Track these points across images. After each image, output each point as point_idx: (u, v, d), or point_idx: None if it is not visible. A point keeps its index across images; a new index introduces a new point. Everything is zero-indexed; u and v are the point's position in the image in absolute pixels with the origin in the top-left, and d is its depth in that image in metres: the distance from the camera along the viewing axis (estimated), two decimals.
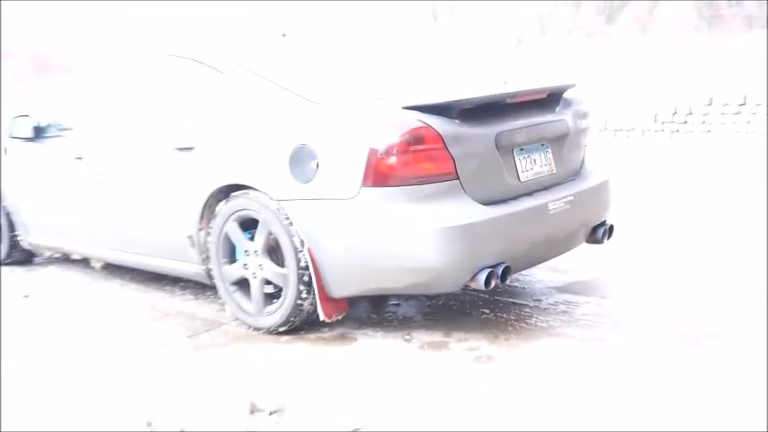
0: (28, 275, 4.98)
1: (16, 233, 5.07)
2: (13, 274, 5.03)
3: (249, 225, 3.53)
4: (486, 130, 3.26)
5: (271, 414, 2.70)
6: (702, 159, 7.96)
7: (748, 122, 9.12)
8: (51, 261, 5.21)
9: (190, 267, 3.89)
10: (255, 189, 3.42)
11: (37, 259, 5.27)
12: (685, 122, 9.70)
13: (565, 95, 3.82)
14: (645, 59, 16.78)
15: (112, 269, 4.73)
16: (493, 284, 3.14)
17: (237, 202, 3.51)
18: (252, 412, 2.72)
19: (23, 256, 5.22)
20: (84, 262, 4.90)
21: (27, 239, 5.02)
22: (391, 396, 2.81)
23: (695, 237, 4.87)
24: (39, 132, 4.71)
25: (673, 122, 9.80)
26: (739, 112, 9.16)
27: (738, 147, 8.48)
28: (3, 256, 5.21)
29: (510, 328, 3.45)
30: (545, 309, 3.68)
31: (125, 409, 2.84)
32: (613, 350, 3.12)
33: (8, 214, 5.04)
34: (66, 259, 5.08)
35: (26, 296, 4.51)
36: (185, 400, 2.90)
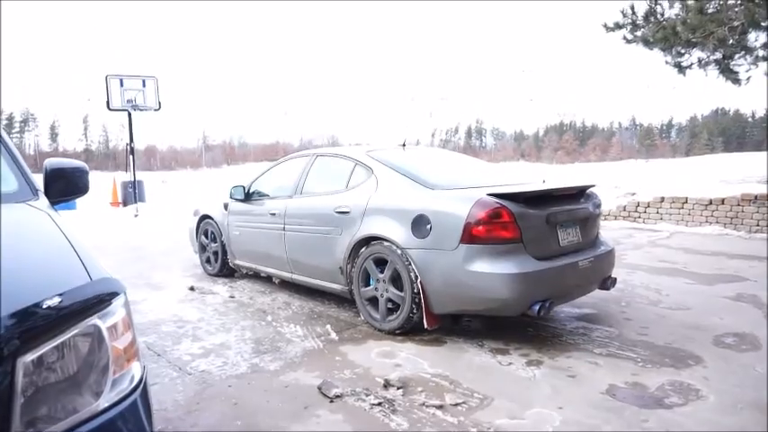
0: (232, 283, 5.12)
1: (226, 257, 5.24)
2: (222, 282, 5.19)
3: (380, 262, 3.56)
4: (541, 212, 3.24)
5: (398, 389, 2.68)
6: (656, 239, 7.62)
7: (689, 214, 8.76)
8: (246, 276, 5.34)
9: (338, 287, 3.93)
10: (387, 240, 3.46)
11: (236, 274, 5.41)
12: (645, 212, 9.35)
13: (587, 191, 3.77)
14: (605, 171, 16.52)
15: (285, 285, 4.81)
16: (542, 313, 3.07)
17: (374, 248, 3.56)
18: (385, 386, 2.71)
19: (229, 272, 5.37)
20: (268, 278, 5.01)
21: (233, 261, 5.18)
22: (474, 381, 2.76)
23: (659, 288, 4.65)
24: (247, 196, 4.91)
25: (636, 212, 9.46)
26: (682, 207, 8.82)
27: (675, 231, 8.15)
28: (217, 271, 5.38)
29: (549, 342, 3.34)
30: (570, 330, 3.56)
31: (300, 375, 2.87)
32: (622, 361, 2.99)
33: (223, 245, 5.22)
34: (255, 275, 5.20)
35: (232, 297, 4.63)
36: (343, 374, 2.91)
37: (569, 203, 3.50)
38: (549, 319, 3.73)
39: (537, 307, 3.04)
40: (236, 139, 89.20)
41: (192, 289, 4.91)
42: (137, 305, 4.42)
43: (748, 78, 8.90)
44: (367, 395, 2.61)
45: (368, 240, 3.61)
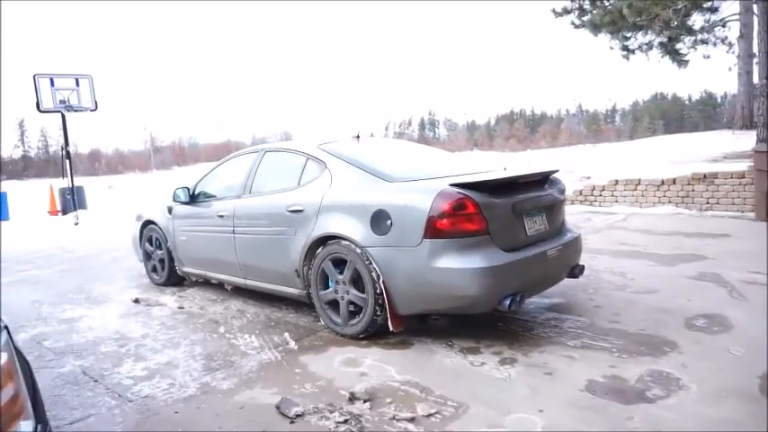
0: (181, 293, 4.75)
1: (174, 265, 4.86)
2: (170, 291, 4.81)
3: (339, 263, 3.30)
4: (506, 201, 3.05)
5: (365, 401, 2.44)
6: (613, 221, 7.68)
7: (643, 195, 8.88)
8: (196, 284, 4.98)
9: (296, 291, 3.66)
10: (345, 238, 3.21)
11: (186, 282, 5.04)
12: (600, 195, 9.43)
13: (551, 177, 3.62)
14: (557, 157, 16.75)
15: (239, 291, 4.49)
16: (513, 308, 2.89)
17: (332, 248, 3.30)
18: (351, 400, 2.47)
19: (177, 280, 4.98)
20: (219, 285, 4.67)
21: (181, 269, 4.81)
22: (447, 386, 2.55)
23: (625, 274, 4.59)
24: (192, 198, 4.55)
25: (592, 195, 9.53)
26: (636, 189, 8.94)
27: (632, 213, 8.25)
28: (164, 280, 4.99)
29: (520, 337, 3.18)
30: (541, 322, 3.41)
31: (256, 393, 2.59)
32: (598, 353, 2.85)
33: (169, 251, 4.84)
34: (206, 283, 4.85)
35: (181, 307, 4.28)
36: (304, 388, 2.64)
37: (534, 191, 3.33)
38: (518, 312, 3.56)
39: (508, 301, 2.86)
40: (186, 139, 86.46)
41: (136, 301, 4.52)
42: (74, 323, 4.00)
43: (687, 61, 9.10)
44: (331, 412, 2.36)
45: (324, 240, 3.35)
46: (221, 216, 4.14)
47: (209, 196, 4.47)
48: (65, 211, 11.05)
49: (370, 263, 3.07)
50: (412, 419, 2.26)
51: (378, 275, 3.06)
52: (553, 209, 3.46)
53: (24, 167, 70.64)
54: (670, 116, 72.07)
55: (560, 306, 3.72)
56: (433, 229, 2.86)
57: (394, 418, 2.28)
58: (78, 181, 11.42)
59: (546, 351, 2.93)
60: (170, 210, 4.77)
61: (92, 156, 75.73)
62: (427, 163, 3.85)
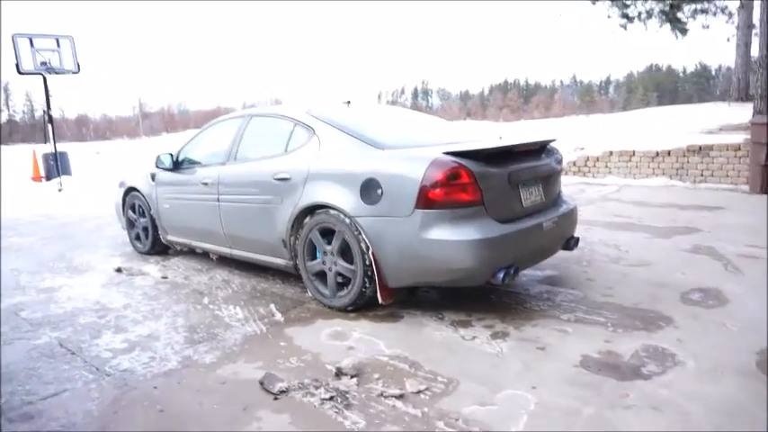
0: (165, 262, 4.62)
1: (158, 233, 4.71)
2: (154, 260, 4.68)
3: (327, 233, 3.18)
4: (502, 170, 2.92)
5: (352, 377, 2.35)
6: (607, 193, 7.59)
7: (636, 167, 8.77)
8: (181, 253, 4.84)
9: (282, 261, 3.53)
10: (333, 208, 3.07)
11: (170, 251, 4.90)
12: (594, 166, 9.33)
13: (548, 147, 3.48)
14: (550, 127, 16.53)
15: (225, 260, 4.36)
16: (507, 281, 2.79)
17: (320, 217, 3.17)
18: (337, 375, 2.37)
19: (162, 249, 4.85)
20: (205, 255, 4.54)
21: (165, 237, 4.66)
22: (437, 361, 2.46)
23: (617, 245, 4.51)
24: (176, 165, 4.37)
25: (585, 166, 9.42)
26: (630, 160, 8.83)
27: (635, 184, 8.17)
28: (148, 248, 4.85)
29: (513, 310, 3.09)
30: (533, 295, 3.33)
31: (240, 368, 2.49)
32: (592, 327, 2.77)
33: (153, 219, 4.68)
34: (191, 252, 4.71)
35: (164, 277, 4.15)
36: (289, 362, 2.55)
37: (531, 160, 3.19)
38: (511, 284, 3.48)
39: (502, 274, 2.76)
40: (176, 105, 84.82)
41: (119, 270, 4.38)
42: (53, 293, 3.87)
43: (687, 30, 8.86)
44: (317, 388, 2.27)
45: (312, 209, 3.21)
46: (205, 184, 3.98)
47: (193, 163, 4.30)
48: (48, 178, 10.78)
49: (360, 233, 2.95)
50: (400, 396, 2.18)
51: (367, 246, 2.94)
52: (549, 179, 3.34)
53: (10, 132, 69.15)
54: (664, 88, 71.64)
55: (554, 279, 3.64)
56: (425, 199, 2.73)
57: (382, 394, 2.19)
58: (65, 146, 11.12)
59: (539, 325, 2.85)
60: (153, 176, 4.60)
61: (79, 121, 74.20)
62: (420, 130, 3.69)
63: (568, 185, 7.94)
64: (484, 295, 3.33)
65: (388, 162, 2.92)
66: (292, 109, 3.67)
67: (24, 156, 17.71)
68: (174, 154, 4.40)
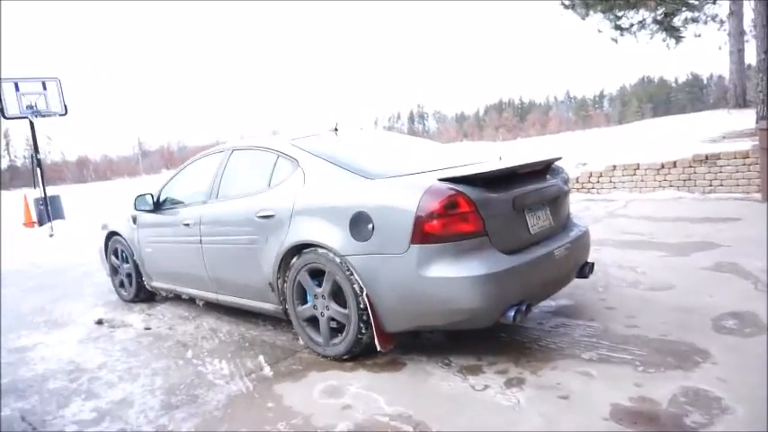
0: (150, 310, 4.31)
1: (142, 279, 4.41)
2: (139, 309, 4.36)
3: (317, 274, 2.87)
4: (505, 195, 2.63)
5: None
6: (614, 209, 7.29)
7: (642, 180, 8.50)
8: (167, 299, 4.53)
9: (271, 306, 3.22)
10: (322, 246, 2.78)
11: (157, 298, 4.59)
12: (598, 182, 9.05)
13: (553, 166, 3.20)
14: (548, 144, 16.39)
15: (213, 306, 4.04)
16: (519, 320, 2.47)
17: (308, 257, 2.87)
18: None
19: (147, 296, 4.54)
20: (192, 301, 4.22)
21: (150, 284, 4.36)
22: (445, 419, 2.13)
23: (632, 268, 4.19)
24: (157, 206, 4.09)
25: (589, 182, 9.14)
26: (635, 173, 8.56)
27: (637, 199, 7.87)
28: (132, 296, 4.54)
29: (527, 350, 2.76)
30: (548, 331, 3.00)
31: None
32: (618, 368, 2.44)
33: (136, 265, 4.39)
34: (177, 298, 4.40)
35: (147, 328, 3.83)
36: (276, 429, 2.22)
37: (536, 182, 2.90)
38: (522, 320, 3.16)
39: (512, 313, 2.44)
40: (175, 142, 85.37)
41: (99, 323, 4.07)
42: (25, 353, 3.55)
43: (683, 37, 8.70)
44: None
45: (299, 248, 2.91)
46: (187, 224, 3.69)
47: (175, 202, 4.02)
48: (41, 223, 10.53)
49: (352, 274, 2.65)
50: None
51: (360, 288, 2.63)
52: (557, 201, 3.05)
53: (11, 178, 69.42)
54: (657, 99, 72.01)
55: (569, 309, 3.31)
56: (421, 233, 2.43)
57: None
58: (67, 189, 10.91)
59: (558, 368, 2.52)
60: (134, 219, 4.32)
61: (80, 163, 74.61)
62: (414, 156, 3.42)
63: (573, 203, 7.61)
64: (494, 334, 2.99)
65: (379, 192, 2.63)
66: (274, 140, 3.41)
67: (20, 201, 17.53)
68: (154, 194, 4.13)
